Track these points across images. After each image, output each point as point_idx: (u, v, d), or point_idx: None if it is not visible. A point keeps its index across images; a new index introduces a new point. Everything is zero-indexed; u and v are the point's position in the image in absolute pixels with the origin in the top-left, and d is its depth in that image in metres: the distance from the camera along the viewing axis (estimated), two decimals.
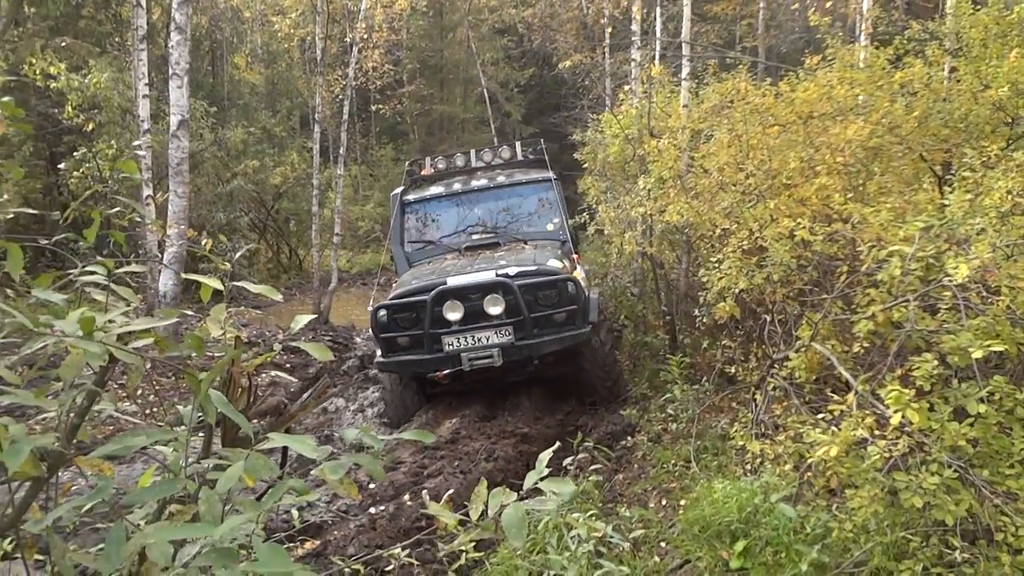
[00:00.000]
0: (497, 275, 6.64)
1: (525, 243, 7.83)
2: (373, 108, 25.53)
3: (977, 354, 3.25)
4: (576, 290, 6.64)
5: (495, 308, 6.59)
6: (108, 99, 14.50)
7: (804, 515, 3.94)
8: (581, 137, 11.53)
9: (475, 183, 8.49)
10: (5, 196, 1.66)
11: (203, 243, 2.12)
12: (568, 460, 4.90)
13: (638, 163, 8.51)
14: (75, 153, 14.90)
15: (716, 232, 6.19)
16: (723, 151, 6.18)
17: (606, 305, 10.11)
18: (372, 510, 4.70)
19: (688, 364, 7.44)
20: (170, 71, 8.13)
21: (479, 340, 6.57)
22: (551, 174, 8.31)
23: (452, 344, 6.61)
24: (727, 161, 6.10)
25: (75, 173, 14.80)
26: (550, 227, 8.10)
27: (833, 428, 3.54)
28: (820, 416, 3.97)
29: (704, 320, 7.10)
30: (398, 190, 8.68)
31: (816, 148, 5.68)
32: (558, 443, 2.79)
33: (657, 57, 11.24)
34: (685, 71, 8.63)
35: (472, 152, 9.01)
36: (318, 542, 4.11)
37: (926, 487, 3.09)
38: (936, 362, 3.41)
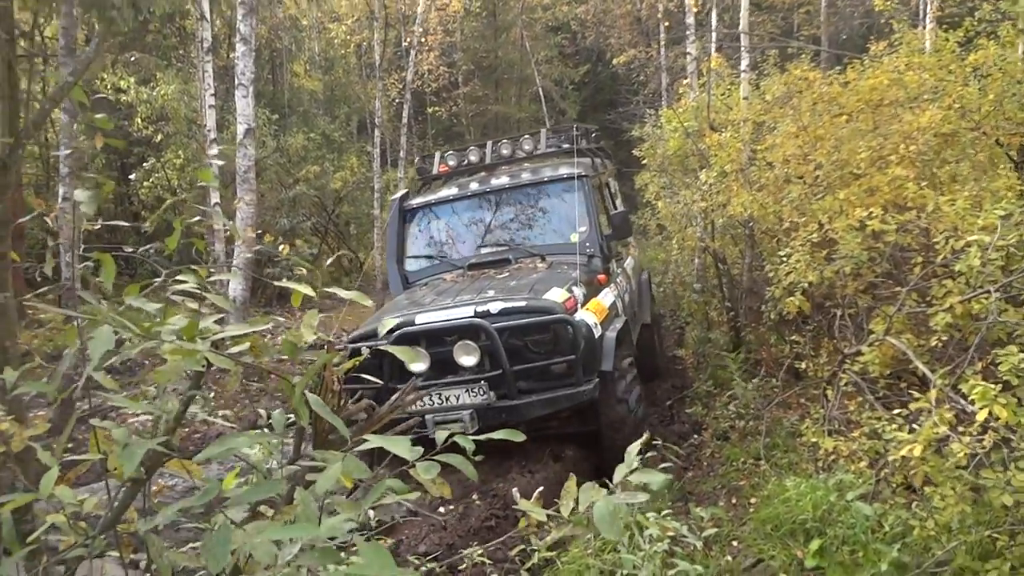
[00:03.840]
0: (476, 313, 5.25)
1: (542, 259, 6.37)
2: (429, 111, 25.76)
3: None
4: (575, 335, 5.14)
5: (467, 358, 5.21)
6: (175, 110, 14.96)
7: (882, 513, 3.83)
8: (640, 133, 11.44)
9: (494, 181, 7.00)
10: (84, 207, 1.72)
11: (280, 248, 2.17)
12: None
13: (698, 157, 8.41)
14: (144, 164, 15.42)
15: (782, 226, 6.08)
16: (789, 142, 6.06)
17: (659, 317, 8.81)
18: (441, 509, 4.74)
19: (754, 361, 7.34)
20: (236, 81, 8.34)
21: (447, 399, 5.16)
22: (579, 170, 6.67)
23: (427, 403, 5.19)
24: (793, 153, 5.98)
25: (145, 183, 15.32)
26: (575, 237, 6.40)
27: (913, 425, 3.44)
28: (897, 412, 3.86)
29: (770, 315, 6.99)
30: (398, 194, 7.36)
31: (886, 136, 5.53)
32: (646, 434, 2.63)
33: (713, 48, 11.08)
34: (744, 62, 8.50)
35: (489, 145, 7.52)
36: (391, 540, 4.17)
37: (1015, 484, 2.98)
38: (1022, 355, 3.29)
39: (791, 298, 5.18)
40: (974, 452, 3.16)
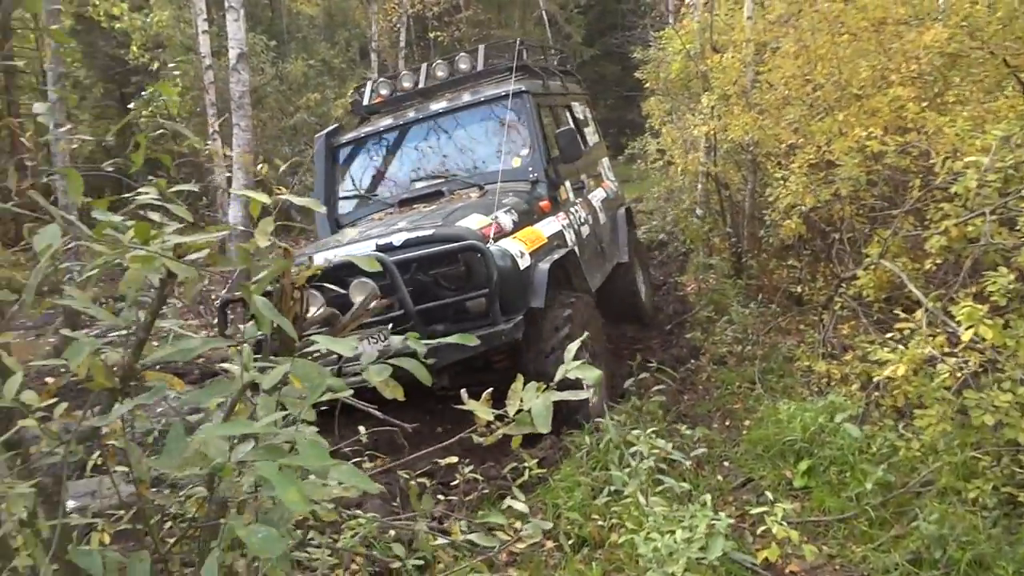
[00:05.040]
0: (377, 247, 4.61)
1: (481, 188, 5.69)
2: (431, 36, 25.24)
3: None
4: (487, 265, 4.42)
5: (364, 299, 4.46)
6: (170, 37, 14.69)
7: (870, 435, 3.89)
8: (642, 55, 11.18)
9: (432, 107, 6.35)
10: (70, 126, 1.71)
11: (259, 167, 2.15)
12: (629, 382, 4.91)
13: (701, 80, 8.25)
14: (143, 93, 15.22)
15: (782, 149, 6.01)
16: (789, 63, 5.93)
17: (644, 254, 8.26)
18: (439, 429, 4.82)
19: (755, 287, 7.34)
20: (226, 4, 8.16)
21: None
22: (520, 86, 5.95)
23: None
24: (793, 73, 5.85)
25: (144, 112, 15.14)
26: (516, 162, 5.80)
27: (901, 347, 3.46)
28: (889, 335, 3.88)
29: (770, 241, 6.97)
30: (326, 130, 6.68)
31: (889, 56, 5.41)
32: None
33: None
34: None
35: (423, 68, 6.79)
36: (390, 459, 4.23)
37: (998, 405, 3.01)
38: (1013, 277, 3.28)
39: (788, 222, 5.15)
40: (960, 374, 3.19)
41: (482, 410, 1.78)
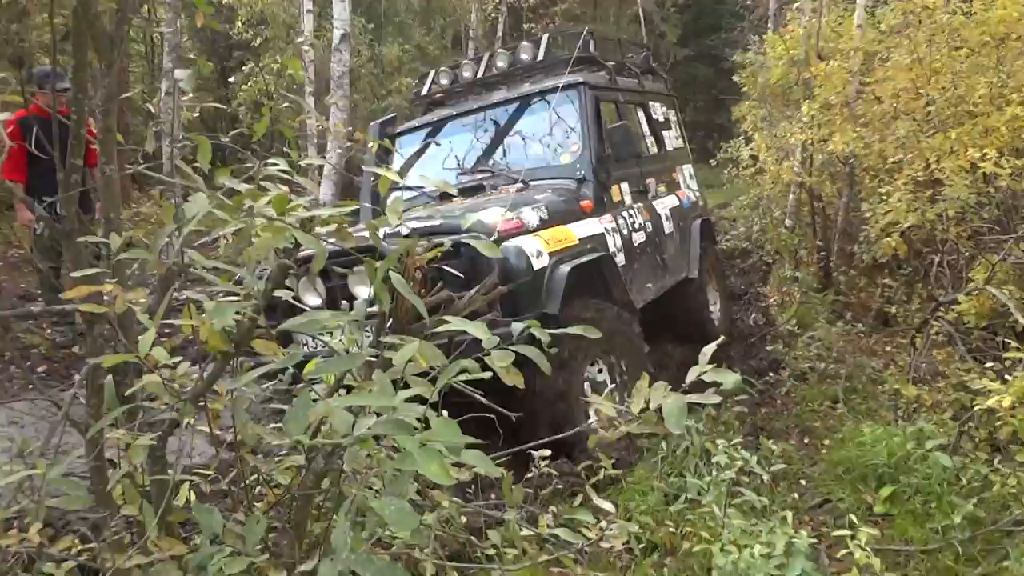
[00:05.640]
0: (385, 235, 3.93)
1: (526, 184, 5.39)
2: (525, 27, 25.26)
3: None
4: (490, 260, 3.81)
5: (363, 288, 4.17)
6: (274, 15, 15.08)
7: (961, 467, 3.73)
8: (741, 59, 10.94)
9: (488, 99, 6.17)
10: (190, 95, 1.77)
11: (369, 146, 2.19)
12: (710, 390, 4.82)
13: (802, 88, 8.02)
14: (244, 68, 15.71)
15: (885, 164, 5.80)
16: (901, 75, 5.70)
17: (719, 272, 7.69)
18: (513, 418, 4.79)
19: (842, 304, 7.13)
20: None
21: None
22: (576, 78, 5.64)
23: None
24: (904, 86, 5.64)
25: (243, 87, 15.63)
26: (566, 158, 5.53)
27: (1005, 377, 3.30)
28: (989, 365, 3.71)
29: (863, 258, 6.75)
30: (380, 119, 6.49)
31: (1009, 74, 5.16)
32: (722, 336, 2.46)
33: None
34: None
35: (484, 58, 6.56)
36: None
37: None
38: None
39: (887, 239, 4.97)
40: None
41: (607, 405, 1.77)
